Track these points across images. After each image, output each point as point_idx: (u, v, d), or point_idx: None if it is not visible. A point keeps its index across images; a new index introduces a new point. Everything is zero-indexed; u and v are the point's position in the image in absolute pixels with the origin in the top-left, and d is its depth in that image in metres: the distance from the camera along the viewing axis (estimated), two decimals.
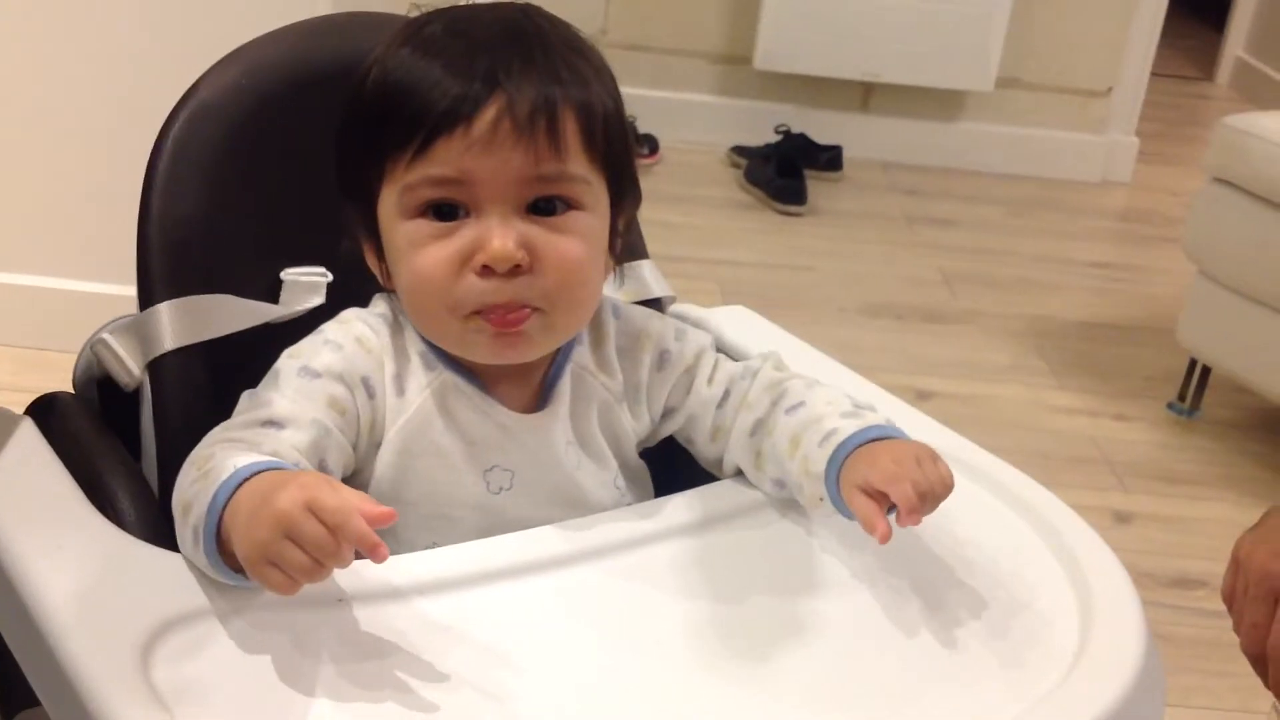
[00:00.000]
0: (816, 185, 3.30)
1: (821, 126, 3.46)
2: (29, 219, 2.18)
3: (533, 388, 0.99)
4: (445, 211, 0.91)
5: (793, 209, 3.20)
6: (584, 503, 0.98)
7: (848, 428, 0.94)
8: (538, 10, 0.96)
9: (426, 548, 0.93)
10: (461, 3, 0.98)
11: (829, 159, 3.42)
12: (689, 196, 3.21)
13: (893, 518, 0.87)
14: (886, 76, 3.47)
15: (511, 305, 0.91)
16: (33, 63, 2.09)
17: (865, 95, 3.57)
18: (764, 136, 3.40)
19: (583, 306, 0.96)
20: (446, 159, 0.89)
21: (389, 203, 0.93)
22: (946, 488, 0.89)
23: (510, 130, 0.89)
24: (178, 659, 0.79)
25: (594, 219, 0.94)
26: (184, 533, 0.85)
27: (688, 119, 3.47)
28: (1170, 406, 2.51)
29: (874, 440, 0.93)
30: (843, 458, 0.92)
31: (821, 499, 0.94)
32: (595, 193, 0.94)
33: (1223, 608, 1.07)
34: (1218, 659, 1.78)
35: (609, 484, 1.01)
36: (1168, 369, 2.57)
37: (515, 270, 0.90)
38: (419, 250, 0.91)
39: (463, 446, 0.96)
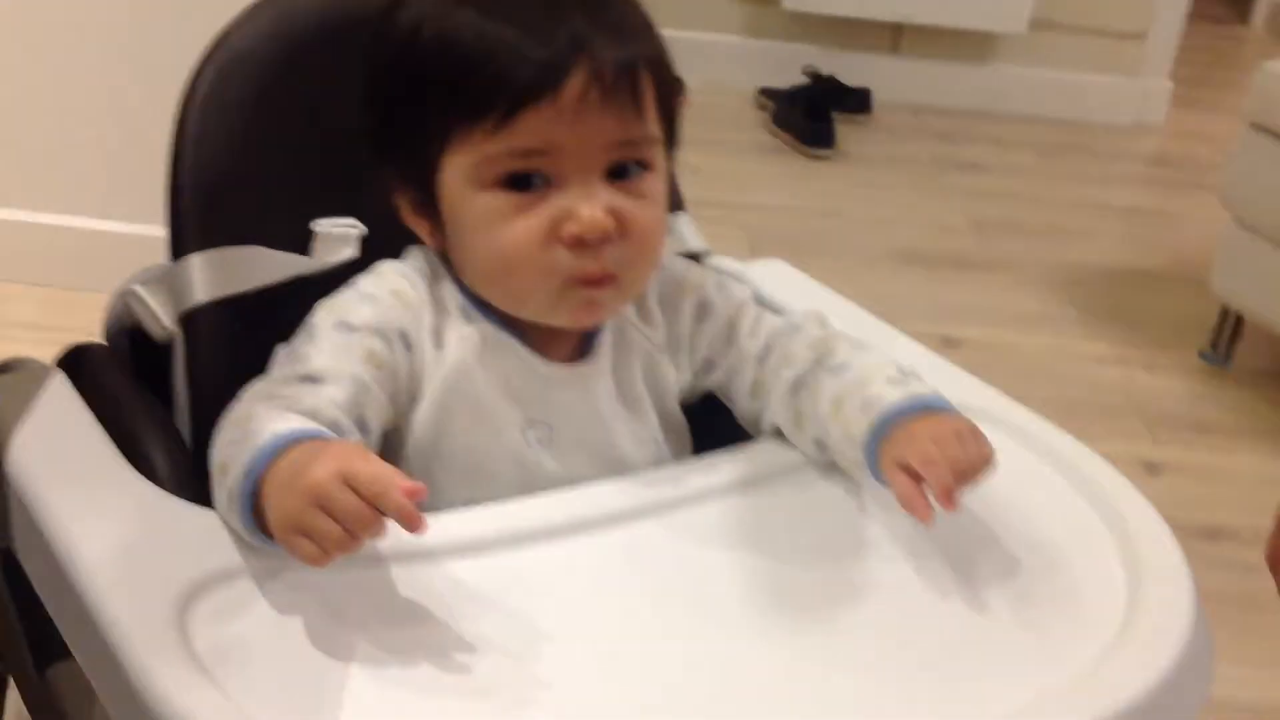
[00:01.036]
0: (845, 129, 3.27)
1: (851, 68, 3.42)
2: (53, 157, 2.17)
3: (574, 340, 0.98)
4: (522, 180, 0.89)
5: (821, 152, 3.17)
6: (622, 459, 0.97)
7: (891, 396, 0.93)
8: None
9: (464, 502, 0.92)
10: None
11: (858, 102, 3.38)
12: (715, 140, 3.17)
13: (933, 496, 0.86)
14: (917, 18, 3.43)
15: (597, 273, 0.90)
16: (62, 2, 2.07)
17: (895, 37, 3.52)
18: (792, 78, 3.36)
19: (654, 270, 0.96)
20: (533, 130, 0.87)
21: (458, 171, 0.90)
22: (988, 464, 0.88)
23: (598, 98, 0.87)
24: (214, 617, 0.79)
25: (661, 179, 0.94)
26: (220, 494, 0.85)
27: (715, 60, 3.43)
28: (1202, 355, 2.49)
29: (918, 412, 0.91)
30: (884, 428, 0.91)
31: (860, 464, 0.93)
32: (661, 152, 0.93)
33: (1253, 560, 1.07)
34: (1249, 611, 1.76)
35: (648, 439, 1.00)
36: (1199, 317, 2.54)
37: (604, 239, 0.89)
38: (502, 223, 0.89)
39: (502, 400, 0.95)
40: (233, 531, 0.85)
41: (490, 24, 0.87)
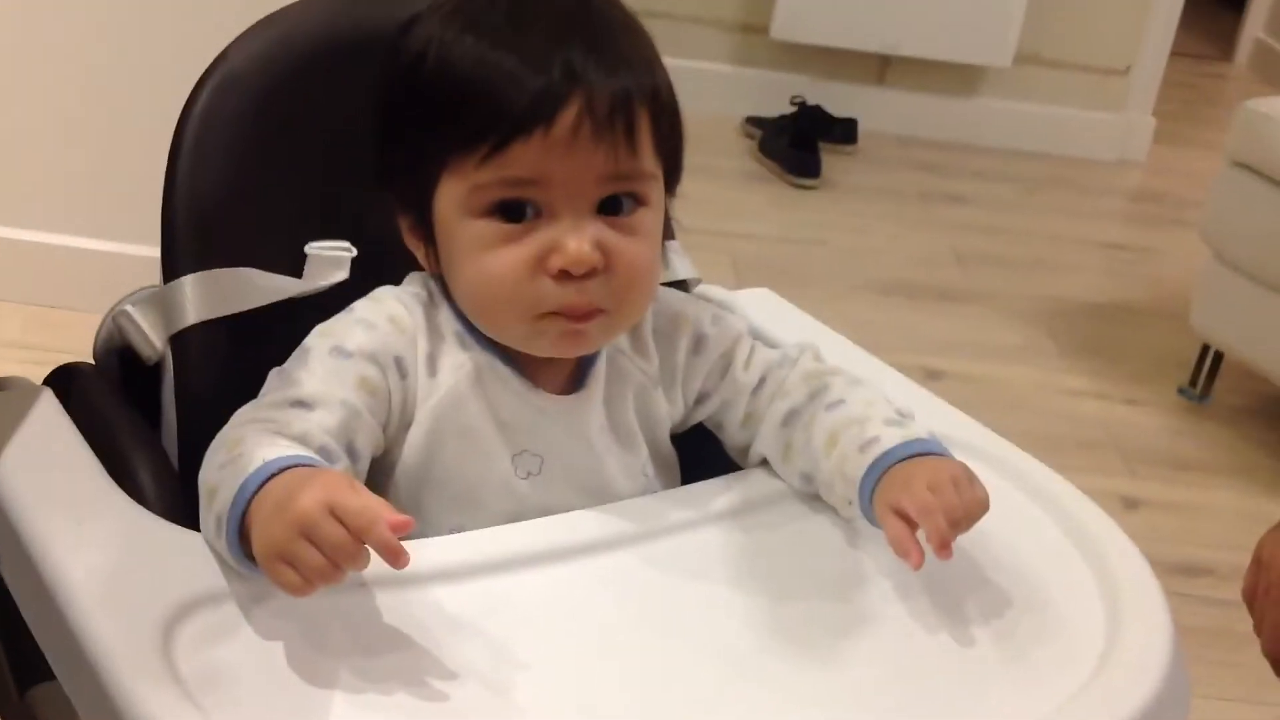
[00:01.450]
0: (831, 158, 3.29)
1: (837, 98, 3.44)
2: (39, 174, 2.17)
3: (568, 370, 0.98)
4: (514, 210, 0.89)
5: (807, 182, 3.18)
6: (611, 490, 0.98)
7: (890, 438, 0.93)
8: None
9: (452, 530, 0.93)
10: None
11: (844, 132, 3.39)
12: (702, 167, 3.14)
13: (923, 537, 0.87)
14: (904, 49, 3.45)
15: (583, 307, 0.90)
16: (56, 19, 2.07)
17: (882, 68, 3.54)
18: (779, 107, 3.38)
19: (645, 305, 0.96)
20: (524, 160, 0.87)
21: (451, 197, 0.90)
22: (983, 510, 0.89)
23: (590, 131, 0.87)
24: (199, 641, 0.79)
25: (656, 214, 0.93)
26: (207, 518, 0.85)
27: (702, 88, 3.44)
28: (1181, 392, 2.50)
29: (914, 456, 0.92)
30: (881, 470, 0.91)
31: (851, 503, 0.94)
32: (658, 188, 0.93)
33: (1229, 596, 1.07)
34: (1223, 648, 1.77)
35: (638, 472, 1.00)
36: (1179, 353, 2.56)
37: (590, 273, 0.89)
38: (489, 252, 0.90)
39: (493, 429, 0.95)
40: (219, 556, 0.84)
41: (490, 51, 0.88)
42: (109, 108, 2.11)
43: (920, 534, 0.87)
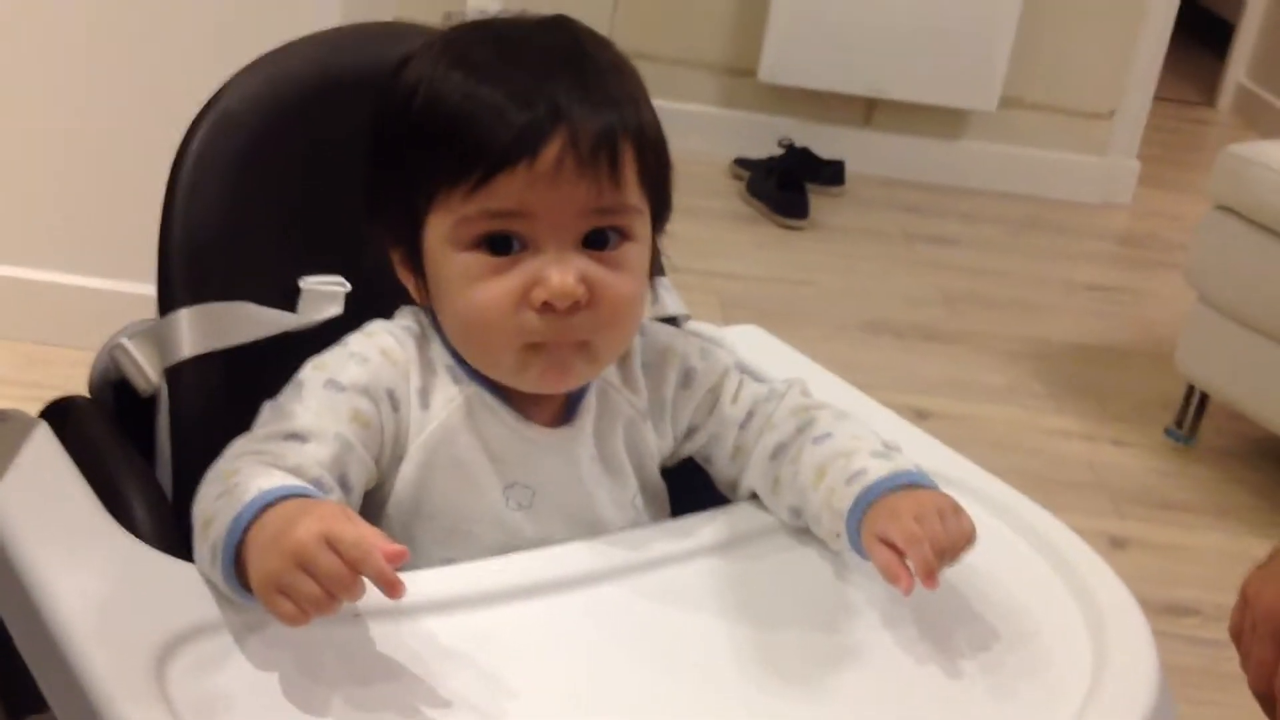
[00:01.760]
0: (818, 199, 3.31)
1: (824, 141, 3.47)
2: (31, 213, 2.17)
3: (558, 403, 0.99)
4: (500, 243, 0.90)
5: (794, 223, 3.20)
6: (600, 522, 0.99)
7: (877, 470, 0.94)
8: (578, 26, 0.96)
9: (443, 561, 0.93)
10: (493, 11, 0.97)
11: (831, 173, 3.42)
12: (691, 207, 3.17)
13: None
14: (890, 93, 3.48)
15: (566, 340, 0.91)
16: (55, 58, 2.08)
17: (868, 111, 3.57)
18: (767, 149, 3.40)
19: (629, 339, 0.98)
20: (508, 193, 0.88)
21: (439, 230, 0.92)
22: (969, 541, 0.90)
23: (574, 165, 0.88)
24: (192, 672, 0.80)
25: (642, 249, 0.95)
26: (202, 548, 0.85)
27: (691, 130, 3.46)
28: (1167, 433, 2.52)
29: (901, 487, 0.93)
30: (868, 502, 0.92)
31: (839, 535, 0.95)
32: (644, 221, 0.94)
33: (1215, 636, 1.08)
34: (1209, 688, 1.78)
35: (627, 504, 1.01)
36: (1165, 395, 2.57)
37: (574, 306, 0.90)
38: (476, 284, 0.91)
39: (485, 461, 0.96)
40: (213, 586, 0.85)
41: (479, 88, 0.89)
42: (100, 146, 2.12)
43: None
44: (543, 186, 0.88)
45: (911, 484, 0.94)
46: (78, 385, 1.09)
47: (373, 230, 0.97)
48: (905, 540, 0.87)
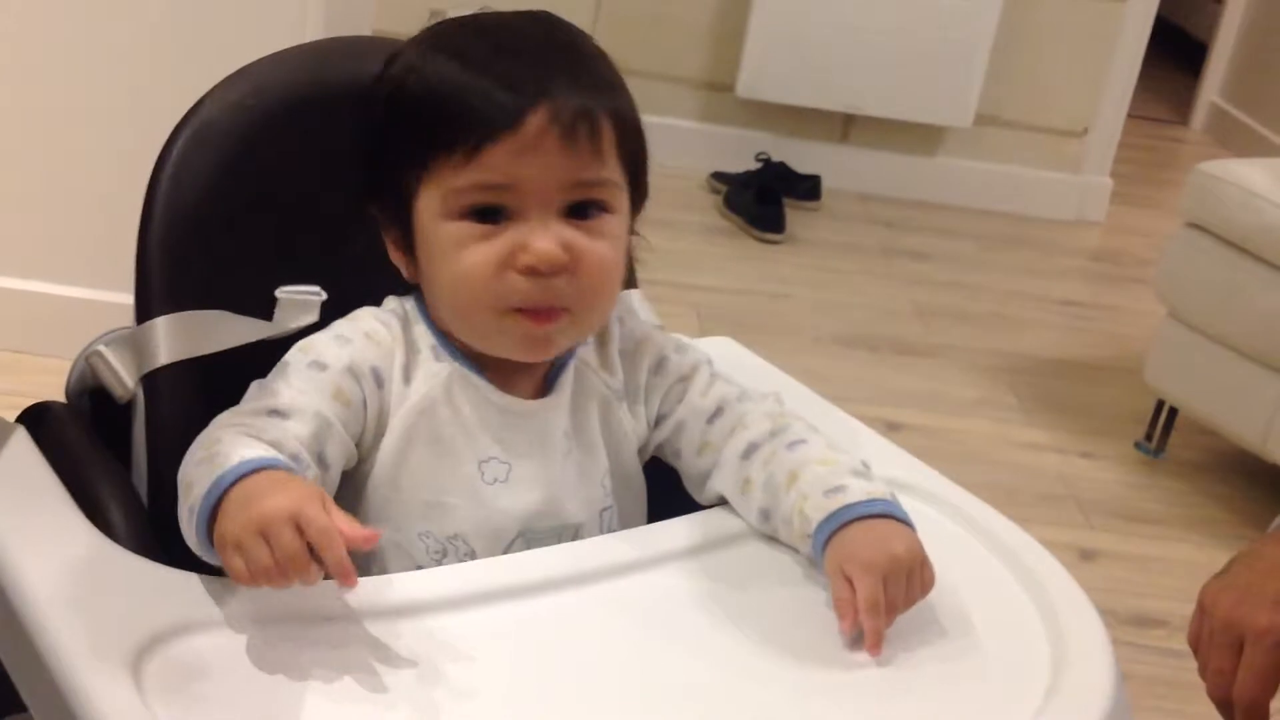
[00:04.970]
0: (795, 214, 3.33)
1: (801, 156, 3.49)
2: (3, 221, 2.17)
3: (536, 380, 1.03)
4: (488, 214, 0.95)
5: (771, 237, 3.23)
6: (569, 496, 1.01)
7: (856, 491, 0.97)
8: (559, 20, 1.01)
9: (420, 535, 0.97)
10: (478, 8, 1.01)
11: (808, 188, 3.44)
12: (668, 221, 3.22)
13: None
14: (867, 109, 3.50)
15: (547, 305, 0.95)
16: (33, 68, 2.09)
17: (845, 126, 3.60)
18: (744, 164, 3.42)
19: (607, 308, 1.01)
20: (494, 164, 0.93)
21: (430, 203, 0.96)
22: (925, 594, 0.93)
23: (556, 137, 0.93)
24: (169, 672, 0.81)
25: (621, 222, 0.99)
26: (182, 510, 0.89)
27: (669, 144, 3.48)
28: (1137, 446, 2.54)
29: (877, 515, 0.95)
30: (842, 521, 0.95)
31: (808, 536, 0.96)
32: (622, 197, 0.99)
33: (1182, 647, 1.09)
34: (1175, 698, 1.80)
35: (595, 482, 1.03)
36: (1135, 408, 2.60)
37: (557, 270, 0.94)
38: (463, 250, 0.95)
39: (461, 434, 0.99)
40: (189, 587, 0.87)
41: (468, 73, 0.94)
42: (78, 155, 2.12)
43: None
44: (528, 158, 0.93)
45: (886, 514, 0.96)
46: (50, 393, 1.10)
47: (351, 240, 1.00)
48: (867, 604, 0.91)
